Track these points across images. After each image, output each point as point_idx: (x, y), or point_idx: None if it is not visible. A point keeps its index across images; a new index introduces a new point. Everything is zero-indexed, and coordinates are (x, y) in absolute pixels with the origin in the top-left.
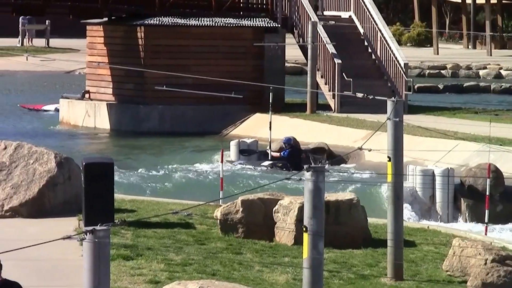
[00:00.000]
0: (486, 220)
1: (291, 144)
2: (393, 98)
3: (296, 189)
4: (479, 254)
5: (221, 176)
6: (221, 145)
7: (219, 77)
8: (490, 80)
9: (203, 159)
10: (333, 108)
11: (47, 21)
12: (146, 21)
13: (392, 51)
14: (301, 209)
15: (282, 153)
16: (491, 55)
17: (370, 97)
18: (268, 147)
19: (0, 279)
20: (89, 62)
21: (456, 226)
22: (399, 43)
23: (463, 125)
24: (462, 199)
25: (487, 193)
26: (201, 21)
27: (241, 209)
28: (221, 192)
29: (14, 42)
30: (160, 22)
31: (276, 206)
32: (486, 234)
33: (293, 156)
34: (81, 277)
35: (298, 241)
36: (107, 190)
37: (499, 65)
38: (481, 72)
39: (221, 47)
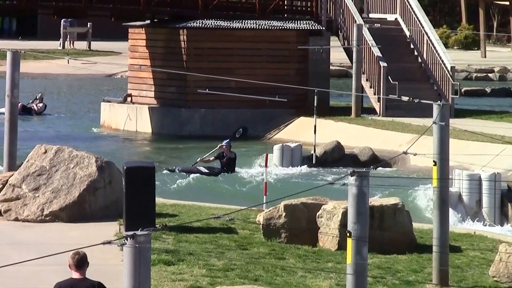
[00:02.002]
0: None
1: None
2: (439, 101)
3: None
4: None
5: (265, 181)
6: (266, 149)
7: (262, 80)
8: None
9: (246, 163)
10: (378, 112)
11: (88, 23)
12: (189, 24)
13: (438, 54)
14: (345, 214)
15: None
16: None
17: (415, 101)
18: (312, 151)
19: (81, 277)
20: (131, 65)
21: (503, 232)
22: (446, 46)
23: (511, 129)
24: (509, 204)
25: None
26: (244, 24)
27: (284, 214)
28: (264, 196)
29: (55, 45)
30: (203, 25)
31: (320, 211)
32: None
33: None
34: (122, 282)
35: (341, 246)
36: (148, 194)
37: None
38: None
39: (264, 50)
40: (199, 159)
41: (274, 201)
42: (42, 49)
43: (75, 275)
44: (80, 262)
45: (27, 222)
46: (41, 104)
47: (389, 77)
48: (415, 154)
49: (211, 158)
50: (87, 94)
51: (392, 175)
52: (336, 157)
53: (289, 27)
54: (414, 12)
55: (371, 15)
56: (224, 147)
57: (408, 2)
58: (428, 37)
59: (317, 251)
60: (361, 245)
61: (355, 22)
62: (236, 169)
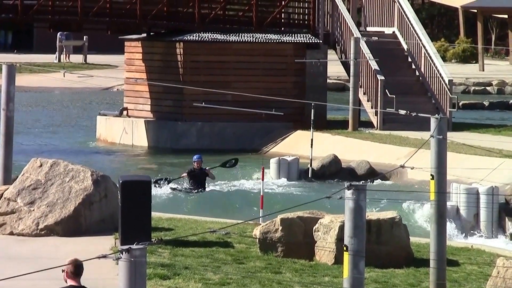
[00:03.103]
0: None
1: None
2: (436, 115)
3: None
4: None
5: (261, 194)
6: (262, 162)
7: (259, 93)
8: None
9: (243, 177)
10: (375, 125)
11: (84, 37)
12: (185, 37)
13: (436, 67)
14: (341, 228)
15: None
16: None
17: (413, 114)
18: (309, 165)
19: (79, 285)
20: (127, 79)
21: (501, 246)
22: (444, 59)
23: (509, 142)
24: (506, 218)
25: None
26: (241, 37)
27: (280, 228)
28: (261, 210)
29: (51, 58)
30: (199, 38)
31: (316, 225)
32: None
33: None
34: None
35: (338, 260)
36: (144, 209)
37: None
38: None
39: (261, 63)
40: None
41: (270, 214)
42: (38, 62)
43: (73, 282)
44: (78, 269)
45: (22, 236)
46: None
47: (386, 90)
48: (412, 168)
49: (183, 175)
50: (83, 108)
51: (390, 188)
52: (333, 170)
53: (286, 40)
54: (411, 25)
55: (368, 29)
56: (195, 162)
57: (406, 15)
58: (426, 50)
59: (313, 265)
60: (358, 259)
61: (353, 35)
62: (234, 182)
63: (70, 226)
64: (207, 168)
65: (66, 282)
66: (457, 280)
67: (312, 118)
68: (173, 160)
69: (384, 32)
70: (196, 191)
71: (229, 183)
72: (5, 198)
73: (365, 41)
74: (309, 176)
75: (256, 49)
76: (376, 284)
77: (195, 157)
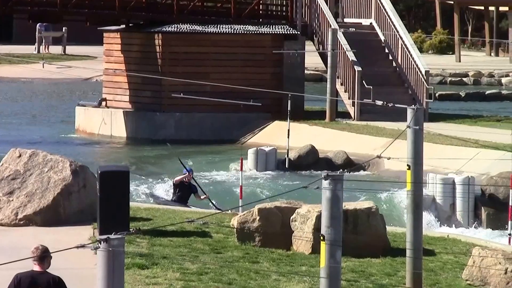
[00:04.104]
0: (509, 231)
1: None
2: (413, 105)
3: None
4: (499, 263)
5: (240, 184)
6: (240, 153)
7: (237, 84)
8: None
9: (221, 167)
10: (352, 116)
11: (64, 28)
12: (164, 28)
13: (413, 58)
14: (318, 218)
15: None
16: None
17: (390, 105)
18: (286, 156)
19: (42, 270)
20: (106, 70)
21: (476, 235)
22: (421, 50)
23: (485, 133)
24: (482, 207)
25: (510, 204)
26: (220, 28)
27: (258, 218)
28: (240, 200)
29: (30, 49)
30: (178, 29)
31: (294, 215)
32: (510, 244)
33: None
34: (96, 286)
35: (315, 250)
36: (122, 199)
37: None
38: (503, 80)
39: (240, 54)
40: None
41: (248, 204)
42: (17, 53)
43: (36, 267)
44: (41, 254)
45: (1, 226)
46: None
47: (363, 81)
48: (389, 158)
49: (176, 179)
50: (62, 99)
51: (366, 179)
52: (310, 161)
53: (264, 31)
54: (389, 16)
55: (346, 20)
56: (186, 175)
57: (383, 7)
58: (403, 42)
59: (291, 254)
60: (334, 248)
61: (330, 26)
62: (212, 172)
63: (49, 216)
64: (203, 196)
65: None
66: (433, 270)
67: (289, 109)
68: (151, 151)
69: (361, 23)
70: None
71: (207, 173)
72: None
73: (342, 32)
74: (286, 166)
75: (234, 40)
76: (353, 274)
77: (186, 170)
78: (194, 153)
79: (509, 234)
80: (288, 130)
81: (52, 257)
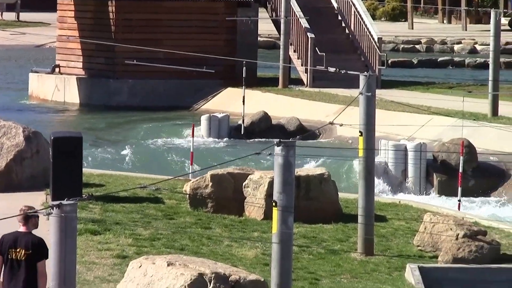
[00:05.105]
0: (458, 198)
1: None
2: (365, 72)
3: (266, 163)
4: (451, 229)
5: (191, 151)
6: (193, 120)
7: (191, 51)
8: (465, 55)
9: (174, 133)
10: (305, 83)
11: None
12: None
13: (366, 25)
14: (271, 184)
15: None
16: (466, 30)
17: (342, 72)
18: (240, 121)
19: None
20: (60, 36)
21: (428, 201)
22: (373, 17)
23: (437, 100)
24: (434, 174)
25: (460, 170)
26: None
27: (210, 184)
28: (191, 166)
29: None
30: None
31: (246, 181)
32: (459, 210)
33: None
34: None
35: (267, 216)
36: (75, 165)
37: (474, 40)
38: (455, 47)
39: (193, 21)
40: None
41: (201, 170)
42: None
43: (21, 228)
44: (25, 216)
45: None
46: None
47: (316, 48)
48: (341, 125)
49: None
50: (15, 65)
51: (319, 145)
52: (263, 127)
53: None
54: None
55: None
56: None
57: None
58: (356, 9)
59: (243, 220)
60: (286, 214)
61: None
62: (165, 139)
63: (2, 182)
64: None
65: None
66: (385, 235)
67: (243, 76)
68: (104, 117)
69: None
70: None
71: (160, 140)
72: None
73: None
74: (241, 133)
75: (188, 7)
76: (305, 239)
77: None
78: (147, 120)
79: (459, 200)
80: (243, 97)
81: (38, 217)
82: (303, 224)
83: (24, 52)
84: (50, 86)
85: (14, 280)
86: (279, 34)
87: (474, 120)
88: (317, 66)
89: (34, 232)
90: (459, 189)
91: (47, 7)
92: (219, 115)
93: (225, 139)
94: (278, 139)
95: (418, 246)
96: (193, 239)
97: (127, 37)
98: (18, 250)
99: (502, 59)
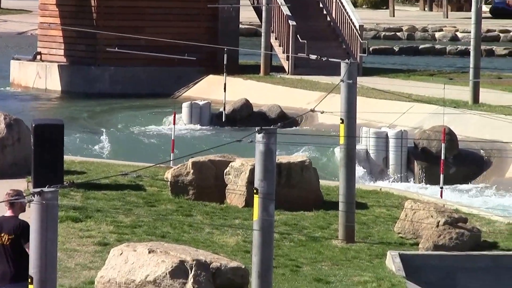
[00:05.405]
0: (440, 185)
1: None
2: (347, 60)
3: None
4: (431, 216)
5: (172, 138)
6: (174, 107)
7: (172, 38)
8: (446, 42)
9: (155, 121)
10: (287, 70)
11: None
12: None
13: (347, 13)
14: (252, 171)
15: None
16: (447, 17)
17: (323, 59)
18: (221, 109)
19: (12, 215)
20: (41, 24)
21: (409, 188)
22: (355, 5)
23: (418, 87)
24: (415, 161)
25: (442, 157)
26: None
27: (191, 171)
28: (172, 154)
29: None
30: None
31: (227, 168)
32: (442, 197)
33: None
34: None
35: (249, 203)
36: (57, 152)
37: (455, 27)
38: (437, 35)
39: (174, 8)
40: None
41: (182, 158)
42: None
43: (7, 213)
44: (11, 199)
45: None
46: None
47: (298, 35)
48: (322, 112)
49: None
50: None
51: (300, 132)
52: (244, 114)
53: None
54: None
55: None
56: None
57: None
58: None
59: (224, 208)
60: (267, 202)
61: None
62: (146, 126)
63: None
64: None
65: None
66: (366, 223)
67: (225, 63)
68: (86, 105)
69: None
70: None
71: (141, 127)
72: None
73: None
74: (223, 120)
75: None
76: (286, 227)
77: None
78: (128, 107)
79: (441, 188)
80: (225, 84)
81: (26, 202)
82: (284, 211)
83: (6, 39)
84: (31, 73)
85: (2, 265)
86: (261, 21)
87: (455, 107)
88: (299, 54)
89: (22, 216)
90: (441, 176)
91: None
92: (201, 103)
93: (206, 126)
94: (260, 127)
95: (399, 233)
96: (174, 226)
97: (108, 24)
98: (2, 235)
99: (483, 47)
